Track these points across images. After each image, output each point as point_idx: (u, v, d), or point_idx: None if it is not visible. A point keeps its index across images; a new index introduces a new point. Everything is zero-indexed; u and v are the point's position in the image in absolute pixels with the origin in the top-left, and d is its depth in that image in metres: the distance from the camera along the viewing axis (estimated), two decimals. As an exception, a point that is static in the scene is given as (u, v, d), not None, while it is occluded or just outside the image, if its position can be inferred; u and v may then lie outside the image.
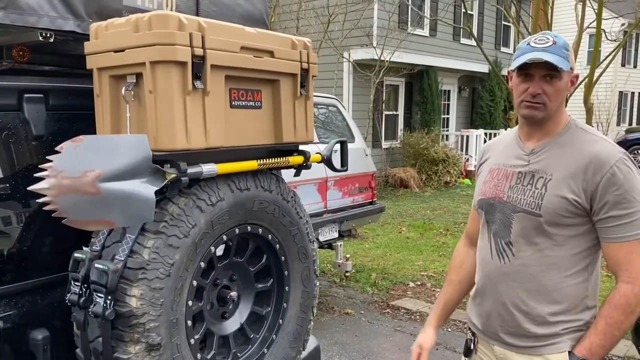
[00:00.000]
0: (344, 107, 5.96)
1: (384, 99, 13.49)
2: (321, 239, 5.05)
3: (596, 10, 7.18)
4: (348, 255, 5.72)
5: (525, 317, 1.68)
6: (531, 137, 1.74)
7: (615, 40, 9.77)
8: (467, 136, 14.54)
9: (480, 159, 1.93)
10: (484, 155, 1.92)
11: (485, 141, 14.45)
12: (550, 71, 1.60)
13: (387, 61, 11.95)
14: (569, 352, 1.64)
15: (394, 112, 14.31)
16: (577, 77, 1.70)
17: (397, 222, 9.05)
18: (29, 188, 1.39)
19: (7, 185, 1.74)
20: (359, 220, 5.60)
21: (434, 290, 5.71)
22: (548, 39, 1.63)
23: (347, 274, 5.78)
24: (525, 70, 1.63)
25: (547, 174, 1.66)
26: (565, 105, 1.78)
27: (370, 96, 12.47)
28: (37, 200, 1.41)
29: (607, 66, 7.82)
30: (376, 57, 11.93)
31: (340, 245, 5.44)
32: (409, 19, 13.68)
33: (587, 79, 7.38)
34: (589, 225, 1.63)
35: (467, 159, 14.12)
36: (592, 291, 1.69)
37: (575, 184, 1.60)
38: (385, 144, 13.43)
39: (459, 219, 9.38)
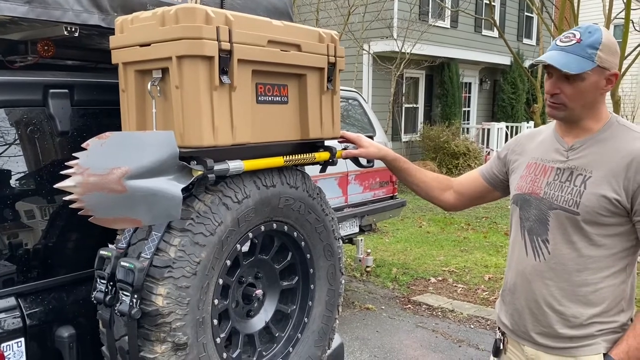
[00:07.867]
0: (364, 100, 5.89)
1: (404, 91, 13.38)
2: (342, 233, 5.02)
3: (625, 0, 6.98)
4: (369, 250, 5.68)
5: (558, 317, 1.64)
6: (569, 132, 1.68)
7: (643, 31, 9.50)
8: (489, 129, 14.36)
9: (511, 147, 1.89)
10: (516, 146, 1.86)
11: (506, 134, 14.26)
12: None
13: (407, 53, 11.84)
14: (605, 354, 1.59)
15: (414, 105, 14.19)
16: (615, 75, 1.60)
17: (417, 217, 8.98)
18: (55, 185, 1.36)
19: (32, 181, 1.72)
20: (380, 214, 5.56)
21: (455, 286, 5.64)
22: (574, 36, 1.58)
23: (368, 269, 5.74)
24: (547, 69, 1.60)
25: (586, 171, 1.60)
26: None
27: (390, 89, 12.37)
28: (63, 198, 1.39)
29: (635, 58, 7.61)
30: (396, 49, 11.82)
31: (361, 240, 5.40)
32: (430, 11, 13.52)
33: (614, 71, 7.19)
34: (629, 226, 1.58)
35: (488, 152, 13.94)
36: (629, 293, 1.65)
37: (617, 182, 1.55)
38: (405, 137, 13.34)
39: (481, 214, 9.27)
